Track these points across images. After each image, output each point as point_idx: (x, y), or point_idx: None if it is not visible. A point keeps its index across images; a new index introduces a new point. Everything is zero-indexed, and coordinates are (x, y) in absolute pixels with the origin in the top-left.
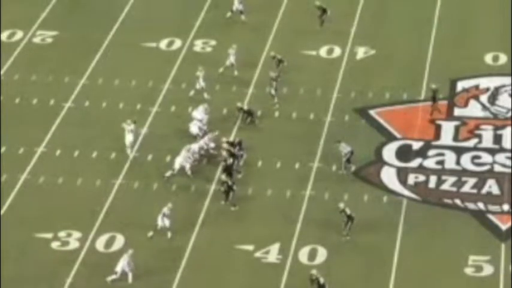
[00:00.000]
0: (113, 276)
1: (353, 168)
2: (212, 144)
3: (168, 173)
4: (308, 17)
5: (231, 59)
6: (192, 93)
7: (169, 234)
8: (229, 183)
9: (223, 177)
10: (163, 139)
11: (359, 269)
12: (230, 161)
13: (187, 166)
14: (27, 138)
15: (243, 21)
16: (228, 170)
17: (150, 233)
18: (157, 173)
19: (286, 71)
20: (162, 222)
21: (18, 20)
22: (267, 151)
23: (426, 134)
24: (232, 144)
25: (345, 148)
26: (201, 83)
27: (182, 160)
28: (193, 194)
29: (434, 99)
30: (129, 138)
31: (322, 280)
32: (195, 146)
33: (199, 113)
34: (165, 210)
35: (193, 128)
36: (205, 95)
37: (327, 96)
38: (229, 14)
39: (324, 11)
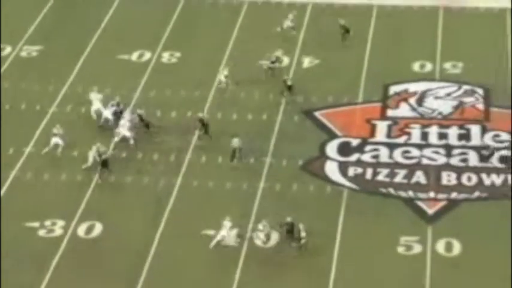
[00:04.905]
0: (87, 165)
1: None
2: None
3: (87, 164)
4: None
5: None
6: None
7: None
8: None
9: None
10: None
11: (304, 251)
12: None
13: (128, 134)
14: (16, 140)
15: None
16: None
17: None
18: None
19: (238, 80)
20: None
21: (6, 36)
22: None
23: (363, 132)
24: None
25: (236, 143)
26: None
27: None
28: (161, 190)
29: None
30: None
31: (289, 219)
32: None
33: (127, 114)
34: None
35: (122, 130)
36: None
37: (277, 100)
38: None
39: (347, 31)
